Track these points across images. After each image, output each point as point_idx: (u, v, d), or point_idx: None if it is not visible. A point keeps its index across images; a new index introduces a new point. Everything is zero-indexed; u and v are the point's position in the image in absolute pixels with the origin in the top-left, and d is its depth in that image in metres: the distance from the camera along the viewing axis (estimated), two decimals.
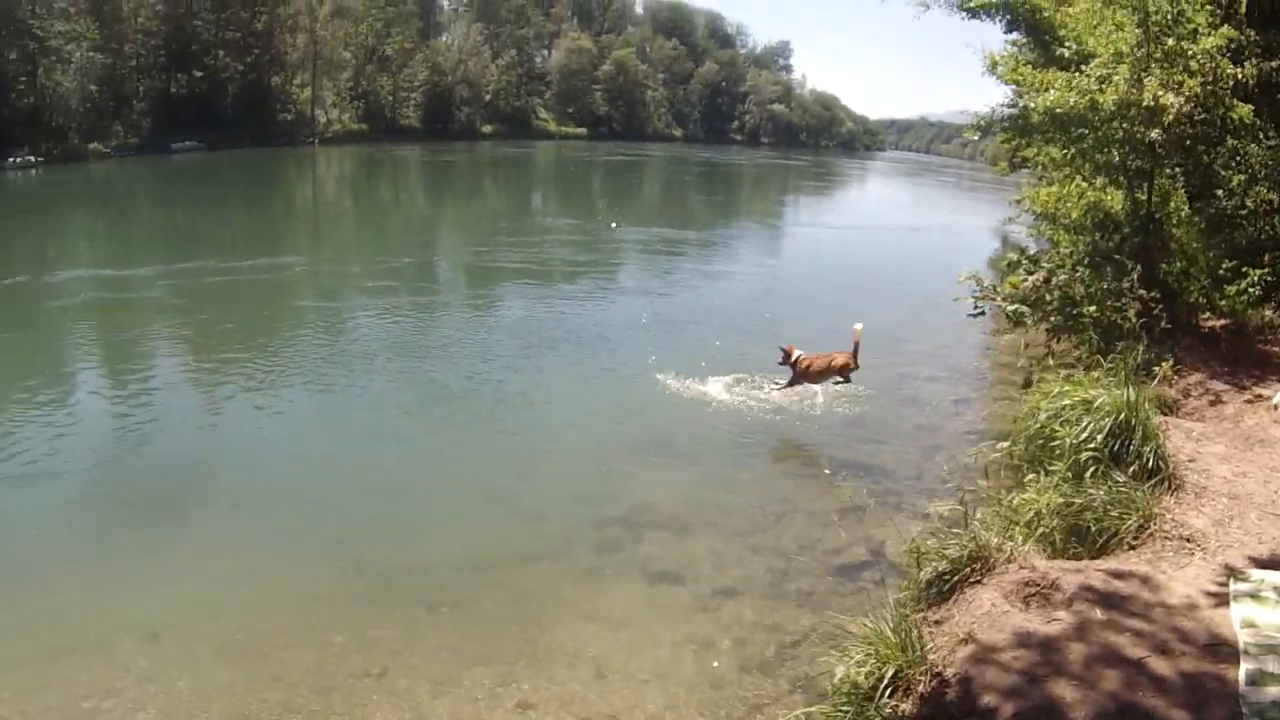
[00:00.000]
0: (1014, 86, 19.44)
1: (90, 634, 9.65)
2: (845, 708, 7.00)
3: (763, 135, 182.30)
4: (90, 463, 13.83)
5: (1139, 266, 15.87)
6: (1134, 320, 15.01)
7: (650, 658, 9.57)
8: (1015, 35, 24.12)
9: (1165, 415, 12.22)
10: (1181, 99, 15.17)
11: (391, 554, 11.63)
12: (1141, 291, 15.40)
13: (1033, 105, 16.83)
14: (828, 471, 14.45)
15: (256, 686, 8.85)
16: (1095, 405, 10.82)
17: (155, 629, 9.73)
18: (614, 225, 25.96)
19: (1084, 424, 10.69)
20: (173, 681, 8.86)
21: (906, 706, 6.78)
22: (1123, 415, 10.45)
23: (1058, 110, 16.02)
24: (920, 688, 6.87)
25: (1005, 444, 12.73)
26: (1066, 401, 11.44)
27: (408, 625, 10.01)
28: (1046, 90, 16.24)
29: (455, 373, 18.47)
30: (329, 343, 20.62)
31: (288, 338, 21.13)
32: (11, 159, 57.67)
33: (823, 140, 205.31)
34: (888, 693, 6.84)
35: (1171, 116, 15.20)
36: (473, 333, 21.44)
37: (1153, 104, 15.16)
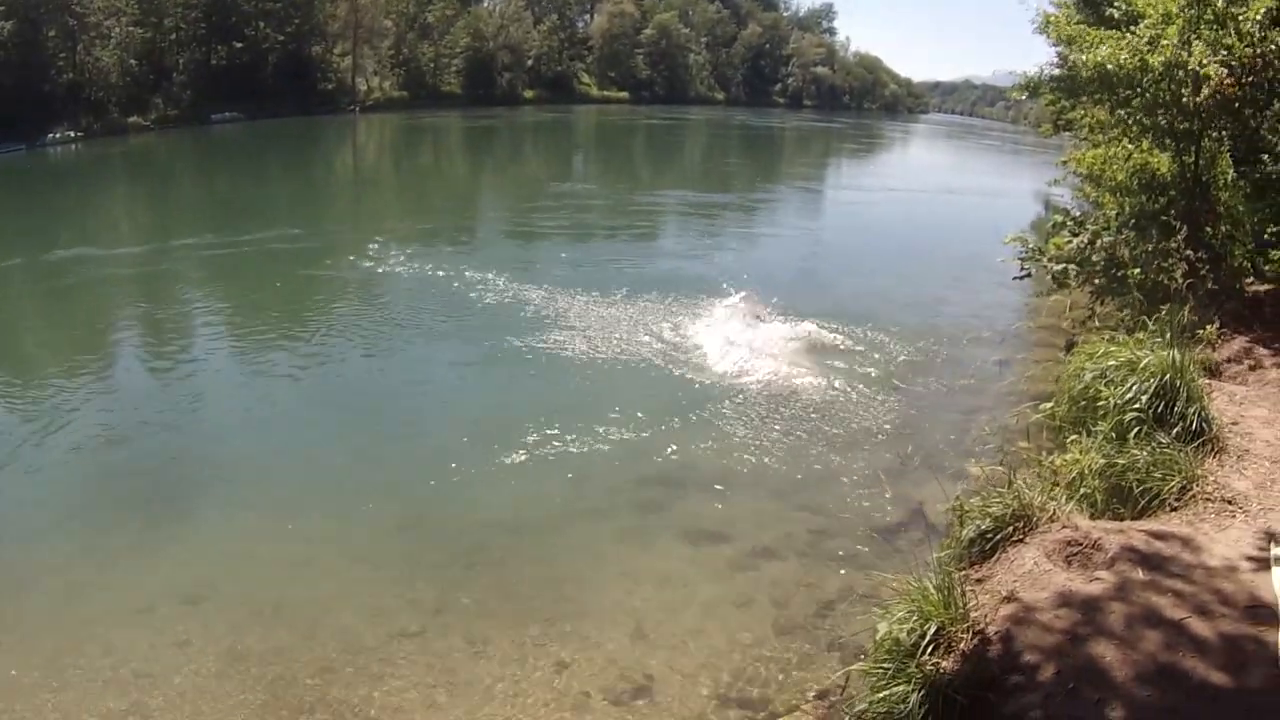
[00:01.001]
0: (1061, 48, 19.19)
1: (127, 599, 9.80)
2: (886, 664, 7.03)
3: (805, 98, 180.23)
4: (127, 430, 14.01)
5: (1185, 228, 15.71)
6: (1180, 282, 14.89)
7: (688, 617, 9.65)
8: None
9: (1209, 379, 12.16)
10: (1224, 71, 15.01)
11: (429, 514, 11.73)
12: (1189, 253, 15.26)
13: (1082, 61, 16.65)
14: (869, 432, 14.42)
15: (293, 648, 8.98)
16: (1140, 366, 10.77)
17: (191, 593, 9.88)
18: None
19: (1128, 385, 10.65)
20: (211, 645, 9.01)
21: (948, 664, 6.80)
22: (1167, 377, 10.40)
23: (1108, 67, 15.86)
24: (962, 645, 6.90)
25: (1048, 405, 12.74)
26: (1111, 362, 11.40)
27: (445, 585, 10.10)
28: (1097, 48, 16.07)
29: (498, 334, 18.49)
30: (366, 310, 20.71)
31: (328, 304, 21.25)
32: (52, 134, 57.57)
33: (866, 103, 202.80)
34: (929, 650, 6.87)
35: (1211, 88, 15.05)
36: (514, 294, 21.39)
37: (1198, 70, 15.02)
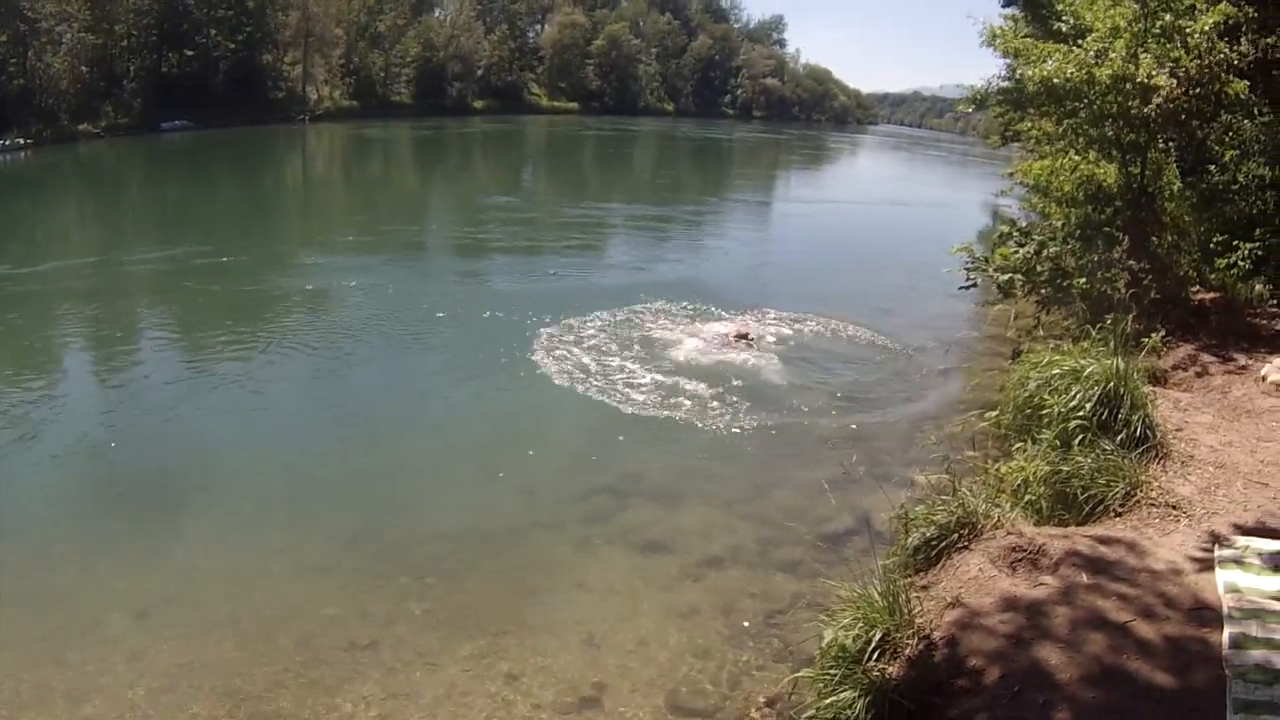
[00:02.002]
0: (1009, 60, 19.35)
1: (81, 613, 9.61)
2: (832, 670, 7.02)
3: (755, 109, 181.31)
4: (76, 447, 13.64)
5: (1128, 238, 15.87)
6: (1123, 291, 15.04)
7: (637, 627, 9.59)
8: (1012, 9, 24.12)
9: (1154, 386, 12.27)
10: (1174, 81, 15.19)
11: (381, 528, 11.62)
12: (1131, 262, 15.41)
13: (1028, 76, 16.79)
14: (816, 441, 14.43)
15: (247, 660, 8.85)
16: (1084, 374, 10.88)
17: (144, 606, 9.71)
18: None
19: (1073, 392, 10.76)
20: (162, 657, 8.86)
21: (894, 669, 6.81)
22: (1111, 384, 10.51)
23: (1054, 81, 16.00)
24: (908, 650, 6.92)
25: (993, 413, 12.82)
26: (1056, 371, 11.50)
27: (397, 598, 10.00)
28: (1044, 61, 16.22)
29: (447, 347, 18.46)
30: (316, 322, 20.44)
31: (274, 318, 20.92)
32: (1, 141, 57.19)
33: (815, 114, 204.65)
34: (875, 655, 6.87)
35: (1162, 97, 15.21)
36: (461, 308, 21.25)
37: (1146, 82, 15.18)
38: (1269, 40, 17.65)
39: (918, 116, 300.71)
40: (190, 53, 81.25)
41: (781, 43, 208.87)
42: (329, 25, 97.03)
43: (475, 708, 8.33)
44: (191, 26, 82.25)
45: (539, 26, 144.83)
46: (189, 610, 9.67)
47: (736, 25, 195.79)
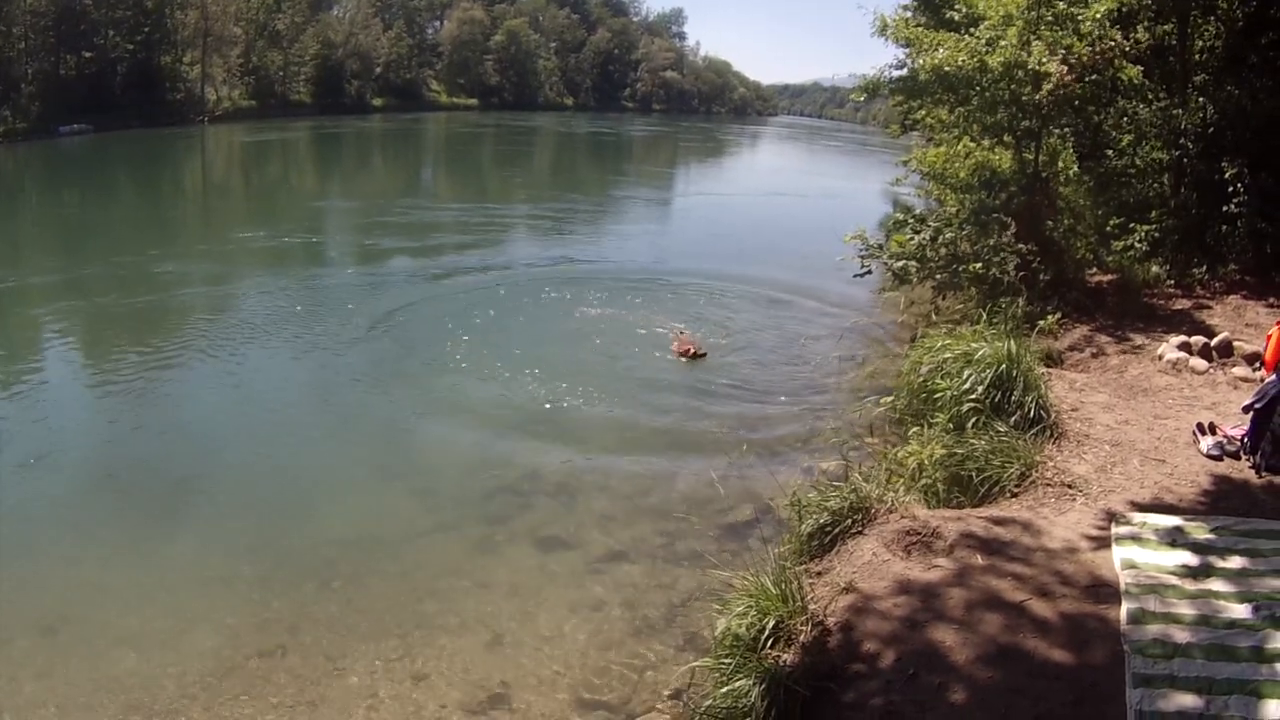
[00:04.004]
0: (905, 48, 19.49)
1: None
2: (727, 660, 6.94)
3: (655, 102, 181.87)
4: None
5: (1014, 223, 16.02)
6: (1013, 275, 15.16)
7: (542, 623, 9.47)
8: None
9: (1050, 367, 12.38)
10: (1065, 68, 15.35)
11: (285, 535, 11.35)
12: (1020, 246, 15.54)
13: (920, 65, 16.90)
14: (715, 434, 14.28)
15: (155, 673, 8.59)
16: (976, 358, 10.90)
17: (50, 623, 9.37)
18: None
19: (965, 376, 10.80)
20: (72, 674, 8.58)
21: (789, 656, 6.71)
22: (1003, 367, 10.55)
23: (945, 69, 16.10)
24: (802, 637, 6.82)
25: (889, 399, 12.80)
26: (948, 355, 11.55)
27: (303, 604, 9.78)
28: (936, 50, 16.31)
29: (342, 353, 17.89)
30: (210, 332, 19.70)
31: (169, 329, 20.23)
32: None
33: (715, 106, 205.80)
34: (769, 643, 6.80)
35: (1053, 83, 15.38)
36: (359, 312, 20.69)
37: (1038, 69, 15.33)
38: (1165, 27, 18.01)
39: (818, 107, 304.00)
40: (89, 55, 79.25)
41: (681, 36, 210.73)
42: (228, 24, 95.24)
43: (384, 710, 8.18)
44: (90, 27, 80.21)
45: (438, 23, 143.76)
46: (96, 626, 9.37)
47: (636, 18, 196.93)
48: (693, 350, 16.82)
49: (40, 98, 73.12)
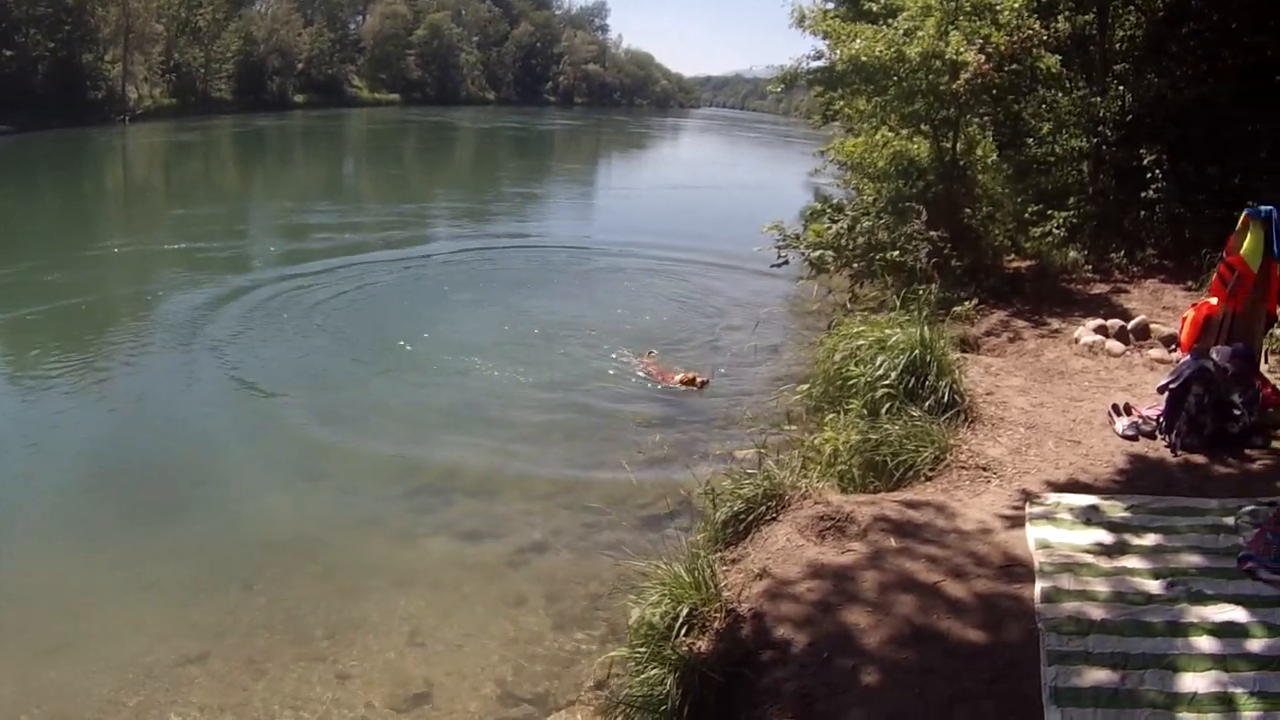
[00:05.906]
0: (825, 40, 19.55)
1: None
2: (642, 649, 6.90)
3: (577, 95, 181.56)
4: None
5: (926, 210, 16.14)
6: (925, 261, 15.26)
7: (464, 619, 9.44)
8: None
9: (966, 352, 12.47)
10: (982, 58, 15.46)
11: (203, 539, 11.13)
12: (932, 233, 15.64)
13: (837, 55, 16.95)
14: (635, 425, 14.23)
15: (82, 682, 8.44)
16: (889, 344, 10.95)
17: None
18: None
19: (878, 362, 10.84)
20: None
21: (702, 644, 6.66)
22: (917, 352, 10.59)
23: (862, 60, 16.15)
24: (715, 624, 6.77)
25: (804, 387, 12.82)
26: (861, 342, 11.60)
27: (225, 607, 9.63)
28: (853, 41, 16.36)
29: (260, 353, 17.59)
30: (129, 336, 19.33)
31: (78, 333, 19.75)
32: None
33: (637, 99, 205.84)
34: (683, 631, 6.76)
35: (970, 73, 15.48)
36: (281, 315, 20.34)
37: (955, 58, 15.42)
38: (1085, 17, 18.24)
39: (740, 98, 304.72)
40: (9, 53, 77.53)
41: (604, 28, 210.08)
42: (149, 21, 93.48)
43: (309, 711, 8.07)
44: (10, 25, 78.50)
45: (360, 18, 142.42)
46: (21, 636, 9.15)
47: (559, 11, 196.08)
48: (697, 379, 15.71)
49: None
